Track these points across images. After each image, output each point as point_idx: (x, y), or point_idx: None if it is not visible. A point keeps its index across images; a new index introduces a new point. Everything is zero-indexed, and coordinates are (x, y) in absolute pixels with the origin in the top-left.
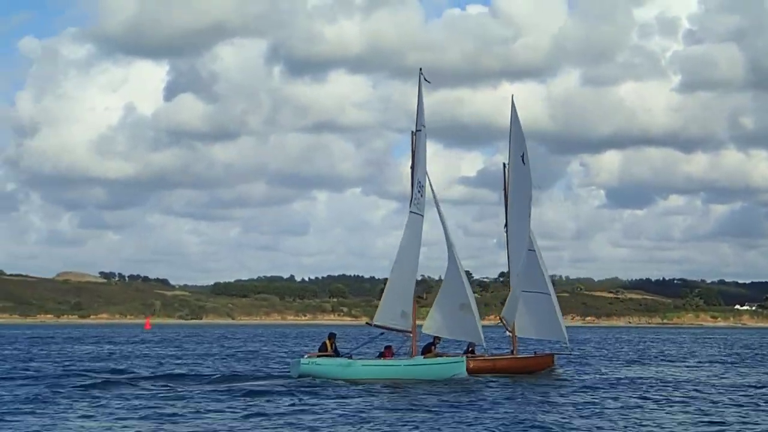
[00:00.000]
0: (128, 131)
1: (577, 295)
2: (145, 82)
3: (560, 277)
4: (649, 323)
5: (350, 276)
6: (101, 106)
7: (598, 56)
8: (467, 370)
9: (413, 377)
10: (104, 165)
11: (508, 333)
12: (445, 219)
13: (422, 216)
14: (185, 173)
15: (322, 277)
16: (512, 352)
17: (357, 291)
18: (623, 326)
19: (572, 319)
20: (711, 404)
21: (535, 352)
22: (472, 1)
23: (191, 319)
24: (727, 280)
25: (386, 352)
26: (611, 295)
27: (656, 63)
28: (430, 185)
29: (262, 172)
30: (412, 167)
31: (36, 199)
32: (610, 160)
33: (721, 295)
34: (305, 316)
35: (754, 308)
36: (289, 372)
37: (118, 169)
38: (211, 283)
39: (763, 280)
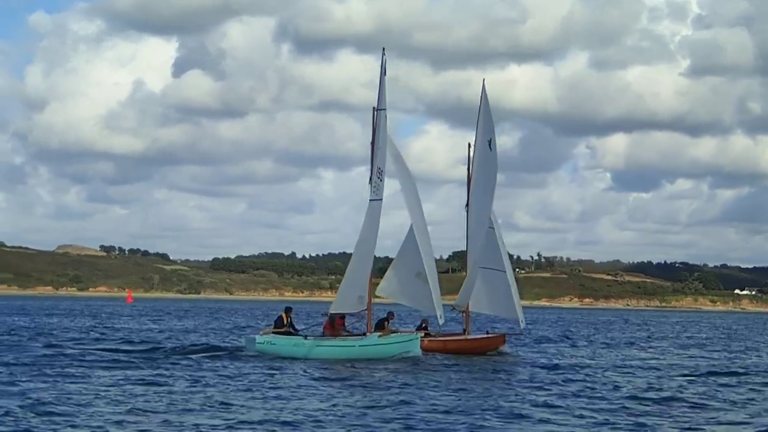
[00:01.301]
0: (136, 107)
1: (575, 277)
2: (154, 59)
3: (561, 258)
4: (647, 306)
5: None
6: (110, 81)
7: (607, 39)
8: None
9: (369, 356)
10: (112, 140)
11: (460, 313)
12: (410, 189)
13: (381, 200)
14: (192, 149)
15: (323, 255)
16: (465, 331)
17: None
18: (621, 309)
19: (570, 300)
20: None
21: (487, 332)
22: None
23: (189, 293)
24: (730, 265)
25: (334, 323)
26: (610, 277)
27: (665, 47)
28: (397, 152)
29: (268, 150)
30: (373, 143)
31: (44, 173)
32: (617, 143)
33: (724, 280)
34: (303, 292)
35: (753, 293)
36: (243, 347)
37: (125, 144)
38: (216, 258)
39: (766, 266)
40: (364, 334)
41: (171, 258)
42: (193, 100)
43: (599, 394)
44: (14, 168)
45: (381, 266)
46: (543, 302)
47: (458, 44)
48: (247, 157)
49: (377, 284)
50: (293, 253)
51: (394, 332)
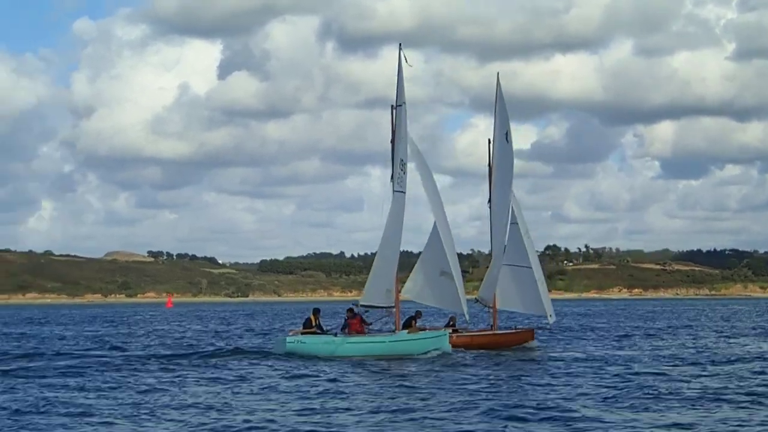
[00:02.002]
0: (182, 111)
1: (624, 268)
2: (198, 62)
3: (610, 249)
4: (696, 295)
5: (401, 252)
6: (155, 86)
7: (651, 26)
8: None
9: (398, 353)
10: (159, 145)
11: (489, 308)
12: (431, 187)
13: (404, 193)
14: (239, 151)
15: (371, 254)
16: (492, 327)
17: (407, 266)
18: (670, 298)
19: (619, 291)
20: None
21: (515, 327)
22: None
23: (237, 296)
24: None
25: (354, 323)
26: (659, 266)
27: (710, 31)
28: (418, 151)
29: (315, 149)
30: (393, 142)
31: (93, 180)
32: (664, 131)
33: None
34: (351, 292)
35: None
36: (272, 349)
37: (172, 148)
38: (264, 260)
39: None
40: (393, 332)
41: (219, 261)
42: (238, 101)
43: None
44: (64, 176)
45: (401, 261)
46: (592, 294)
47: (502, 36)
48: (294, 157)
49: (404, 282)
50: (341, 253)
51: (422, 330)
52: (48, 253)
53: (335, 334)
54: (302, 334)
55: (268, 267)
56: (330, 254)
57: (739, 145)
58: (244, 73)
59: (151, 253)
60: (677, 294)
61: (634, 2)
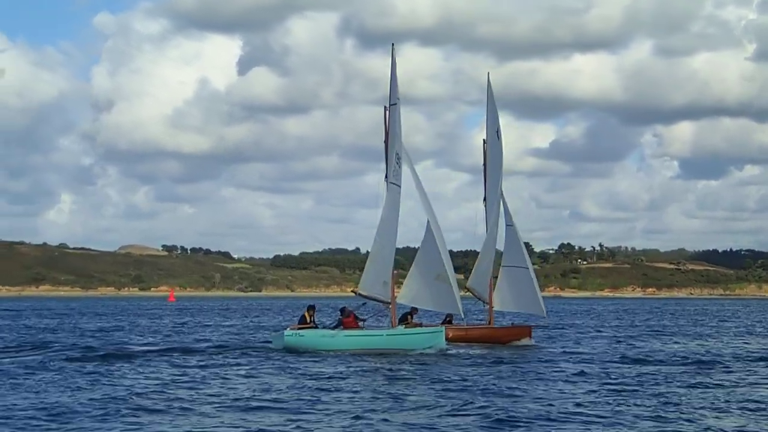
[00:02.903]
0: (202, 105)
1: (638, 267)
2: (218, 57)
3: (625, 248)
4: (710, 294)
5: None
6: (175, 80)
7: (672, 26)
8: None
9: (395, 347)
10: (178, 139)
11: (484, 303)
12: (423, 188)
13: (400, 186)
14: (258, 147)
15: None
16: (489, 323)
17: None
18: (684, 297)
19: (633, 290)
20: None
21: (512, 323)
22: None
23: (250, 291)
24: None
25: (348, 321)
26: (673, 266)
27: (730, 32)
28: (407, 154)
29: (334, 145)
30: (386, 142)
31: (112, 174)
32: (684, 131)
33: None
34: None
35: None
36: (271, 344)
37: (192, 143)
38: (278, 255)
39: None
40: (390, 327)
41: (233, 256)
42: (258, 97)
43: None
44: (83, 169)
45: (408, 257)
46: (606, 293)
47: (522, 35)
48: (313, 153)
49: (401, 281)
50: (357, 249)
51: (418, 326)
52: (62, 246)
53: (332, 328)
54: (299, 329)
55: (282, 262)
56: (345, 250)
57: (758, 146)
58: (264, 68)
59: (165, 247)
60: (691, 293)
61: (654, 3)
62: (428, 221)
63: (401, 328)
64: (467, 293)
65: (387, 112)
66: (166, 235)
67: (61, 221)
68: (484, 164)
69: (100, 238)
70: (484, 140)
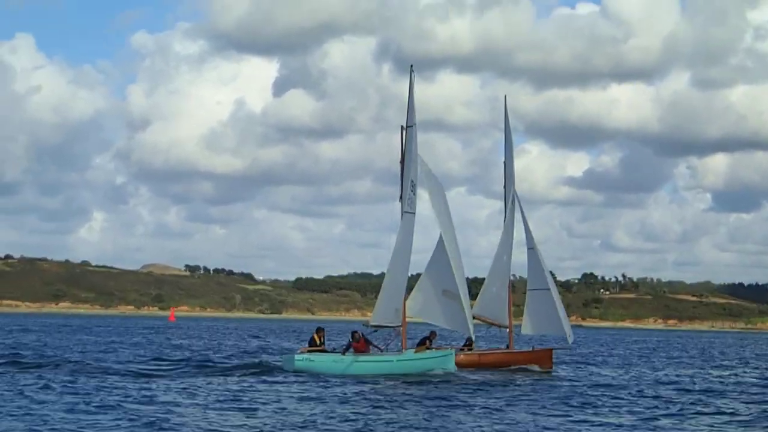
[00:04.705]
0: (237, 127)
1: (660, 298)
2: (255, 79)
3: (651, 279)
4: (732, 328)
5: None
6: (212, 101)
7: (710, 58)
8: (458, 364)
9: (405, 372)
10: (212, 160)
11: (501, 327)
12: (442, 204)
13: (414, 214)
14: (292, 169)
15: (414, 275)
16: (508, 347)
17: None
18: (705, 330)
19: (654, 321)
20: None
21: (533, 348)
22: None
23: (271, 313)
24: None
25: (358, 345)
26: (695, 298)
27: None
28: (426, 176)
29: (368, 170)
30: (402, 163)
31: (144, 192)
32: (718, 163)
33: None
34: None
35: None
36: (281, 366)
37: (226, 164)
38: (299, 277)
39: None
40: (399, 351)
41: (255, 278)
42: (293, 119)
43: None
44: (116, 188)
45: (412, 284)
46: (627, 323)
47: (561, 64)
48: (347, 176)
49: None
50: (383, 273)
51: (428, 349)
52: (85, 263)
53: (343, 353)
54: (309, 352)
55: (304, 285)
56: (371, 274)
57: None
58: (300, 91)
59: (188, 267)
60: (712, 326)
61: (693, 34)
62: (440, 235)
63: (411, 353)
64: (474, 321)
65: (404, 133)
66: (196, 256)
67: (92, 239)
68: (504, 188)
69: (129, 257)
70: (504, 162)
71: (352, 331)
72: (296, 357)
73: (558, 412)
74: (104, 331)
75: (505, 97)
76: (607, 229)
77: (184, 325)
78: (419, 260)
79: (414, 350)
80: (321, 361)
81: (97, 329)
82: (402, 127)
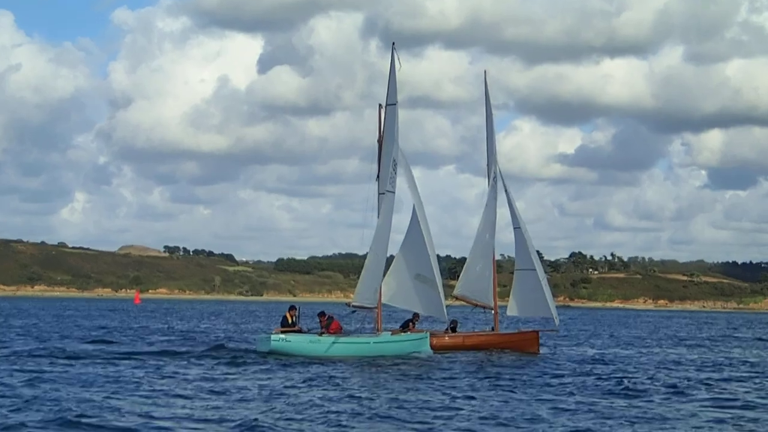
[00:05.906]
0: (221, 105)
1: (650, 278)
2: (239, 56)
3: (642, 258)
4: (724, 308)
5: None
6: (195, 79)
7: (705, 32)
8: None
9: (381, 353)
10: (197, 138)
11: (485, 309)
12: (416, 190)
13: (394, 193)
14: (278, 147)
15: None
16: (493, 329)
17: (441, 271)
18: (696, 310)
19: (644, 302)
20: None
21: (518, 329)
22: None
23: (251, 295)
24: None
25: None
26: (686, 278)
27: (765, 39)
28: (403, 157)
29: (355, 148)
30: (380, 141)
31: (127, 173)
32: (713, 140)
33: None
34: None
35: None
36: (255, 347)
37: (210, 142)
38: (281, 258)
39: None
40: (375, 333)
41: (237, 259)
42: (279, 97)
43: None
44: (98, 168)
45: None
46: (616, 303)
47: (551, 38)
48: (334, 155)
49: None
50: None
51: (404, 332)
52: (61, 245)
53: (320, 333)
54: (283, 332)
55: (285, 266)
56: (356, 255)
57: None
58: (286, 68)
59: (167, 249)
60: (704, 306)
61: (687, 8)
62: (411, 219)
63: (387, 335)
64: (457, 302)
65: (383, 111)
66: (181, 237)
67: (74, 220)
68: (488, 165)
69: (112, 238)
70: (486, 139)
71: (320, 312)
72: (272, 338)
73: (543, 396)
74: (48, 315)
75: (485, 72)
76: (600, 208)
77: (147, 308)
78: (400, 240)
79: (390, 332)
80: (298, 342)
81: (41, 313)
82: (380, 105)
